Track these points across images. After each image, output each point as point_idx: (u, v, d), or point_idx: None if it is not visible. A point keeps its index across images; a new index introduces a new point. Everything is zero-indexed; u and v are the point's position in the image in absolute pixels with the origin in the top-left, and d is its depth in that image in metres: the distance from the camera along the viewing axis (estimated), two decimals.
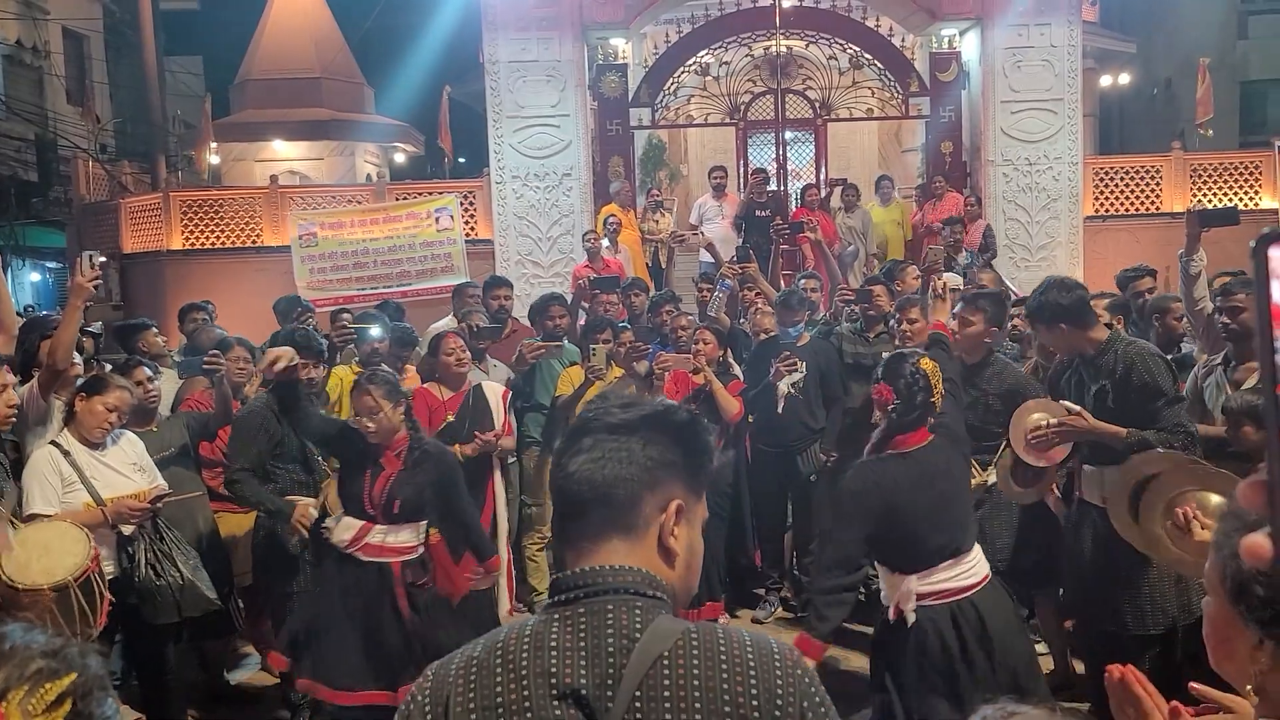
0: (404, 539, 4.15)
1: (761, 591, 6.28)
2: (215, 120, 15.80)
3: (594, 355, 5.70)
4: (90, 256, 4.20)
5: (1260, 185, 12.05)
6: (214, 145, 16.00)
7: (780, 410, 5.86)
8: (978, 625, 3.33)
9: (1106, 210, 12.05)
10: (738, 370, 6.25)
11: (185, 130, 20.18)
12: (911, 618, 3.33)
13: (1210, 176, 12.17)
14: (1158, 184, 12.11)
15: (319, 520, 4.42)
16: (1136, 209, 12.04)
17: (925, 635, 3.32)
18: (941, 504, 3.36)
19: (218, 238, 12.02)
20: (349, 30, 18.56)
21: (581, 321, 6.84)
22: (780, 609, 6.23)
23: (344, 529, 4.13)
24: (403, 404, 4.15)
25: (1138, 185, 12.14)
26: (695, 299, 7.40)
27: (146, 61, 15.69)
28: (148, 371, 4.97)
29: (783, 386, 5.90)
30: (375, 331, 5.72)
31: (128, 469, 4.42)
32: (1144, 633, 3.86)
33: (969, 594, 3.36)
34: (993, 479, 4.50)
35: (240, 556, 5.38)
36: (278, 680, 5.21)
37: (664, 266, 11.00)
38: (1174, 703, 1.62)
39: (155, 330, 5.98)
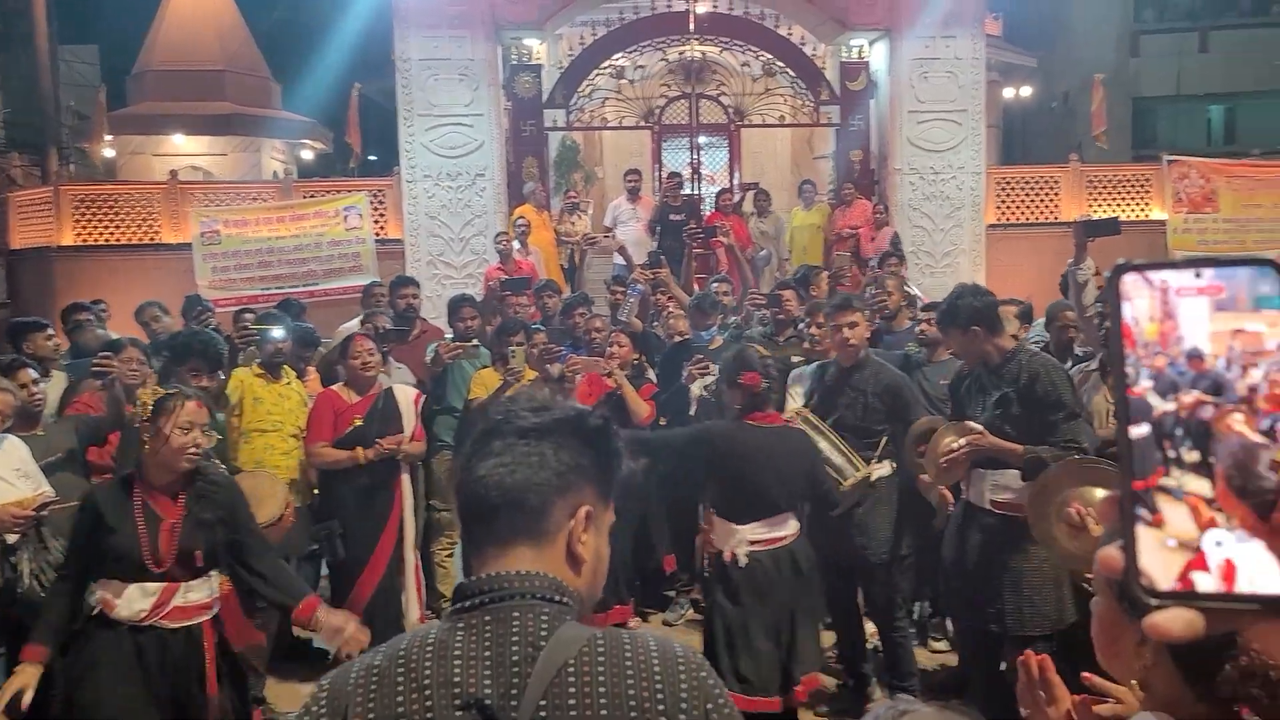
0: (204, 594, 3.45)
1: (672, 594, 6.31)
2: (111, 112, 15.21)
3: (513, 357, 5.66)
4: None
5: (1150, 197, 12.58)
6: (109, 138, 15.42)
7: (693, 413, 5.91)
8: (792, 566, 4.17)
9: (1008, 219, 12.43)
10: (652, 374, 6.28)
11: (79, 121, 19.36)
12: (744, 560, 4.10)
13: (1105, 188, 12.66)
14: (1056, 194, 12.55)
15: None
16: (1036, 218, 12.45)
17: (755, 572, 4.10)
18: (776, 473, 4.14)
19: (113, 234, 11.58)
20: (255, 23, 18.06)
21: (493, 324, 6.78)
22: (691, 611, 6.26)
23: (134, 599, 3.34)
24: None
25: (1037, 195, 12.56)
26: (608, 301, 7.40)
27: (38, 49, 15.06)
28: (32, 374, 4.76)
29: (695, 389, 5.94)
30: (278, 332, 5.57)
31: (10, 474, 4.23)
32: (1022, 633, 3.99)
33: (785, 543, 4.19)
34: (876, 474, 4.64)
35: None
36: None
37: (578, 268, 10.99)
38: (1082, 695, 1.67)
39: (49, 332, 5.73)
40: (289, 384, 5.60)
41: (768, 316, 6.51)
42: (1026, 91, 23.55)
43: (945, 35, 11.68)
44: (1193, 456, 0.65)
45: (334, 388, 5.43)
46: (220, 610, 3.58)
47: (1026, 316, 5.69)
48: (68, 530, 4.55)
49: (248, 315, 6.86)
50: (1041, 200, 12.54)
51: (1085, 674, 1.70)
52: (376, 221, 11.25)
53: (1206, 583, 0.63)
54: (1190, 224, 12.34)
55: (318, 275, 10.77)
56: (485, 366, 5.99)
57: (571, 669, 1.33)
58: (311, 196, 11.34)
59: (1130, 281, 0.66)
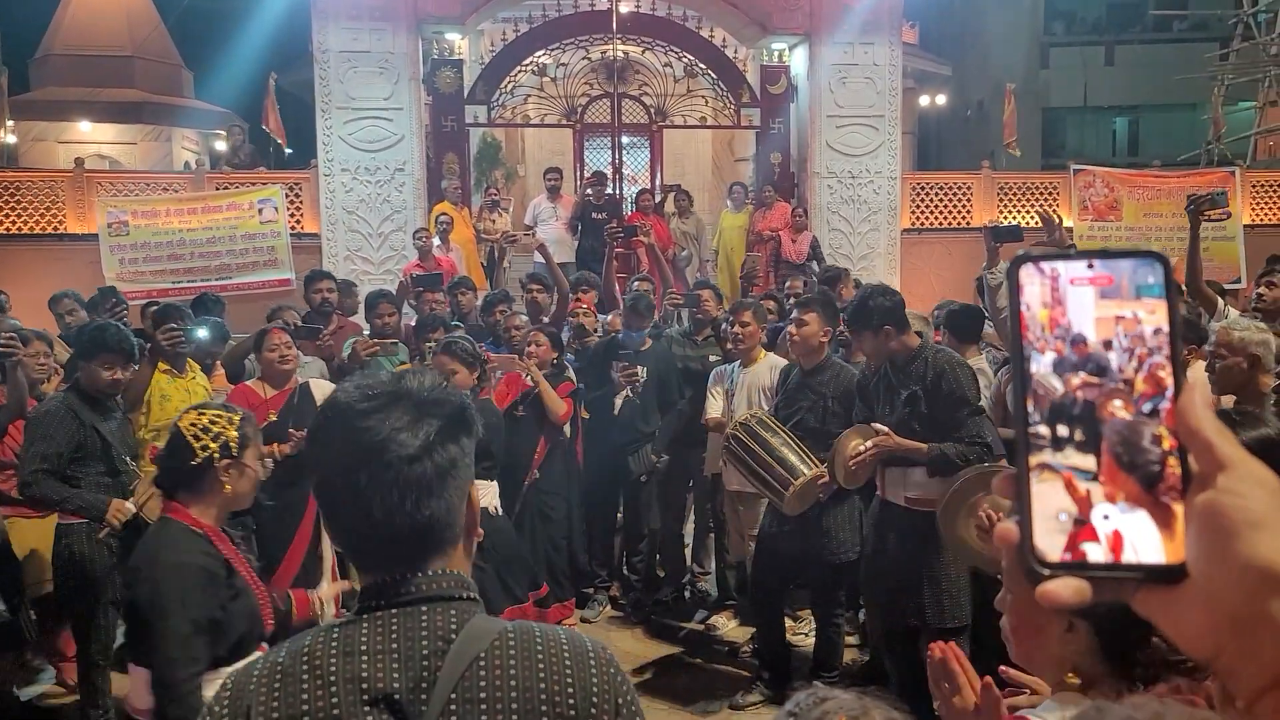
0: None
1: (590, 590, 6.32)
2: (13, 96, 14.60)
3: (430, 355, 5.60)
4: None
5: (1059, 204, 13.00)
6: (10, 124, 14.81)
7: (615, 413, 5.93)
8: None
9: (922, 224, 12.72)
10: (571, 372, 6.28)
11: None
12: None
13: (1015, 194, 13.04)
14: (969, 200, 12.89)
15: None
16: (950, 223, 12.77)
17: None
18: None
19: (13, 223, 11.13)
20: (166, 8, 17.52)
21: (411, 320, 6.72)
22: (609, 607, 6.29)
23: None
24: None
25: (951, 201, 12.88)
26: (524, 300, 7.37)
27: None
28: None
29: (620, 397, 6.00)
30: (202, 333, 5.44)
31: None
32: (942, 626, 4.10)
33: None
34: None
35: (34, 565, 5.03)
36: (74, 696, 4.89)
37: (498, 266, 10.93)
38: (986, 678, 1.72)
39: None
40: (194, 379, 5.46)
41: (685, 316, 6.56)
42: (941, 99, 24.17)
43: (864, 41, 11.90)
44: (1080, 435, 0.68)
45: (249, 382, 5.31)
46: None
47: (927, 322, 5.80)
48: None
49: (152, 308, 6.67)
50: (954, 206, 12.86)
51: (1003, 667, 1.75)
52: (292, 215, 11.00)
53: (1095, 553, 0.66)
54: (1095, 231, 12.77)
55: (231, 269, 10.51)
56: (404, 363, 5.93)
57: (482, 662, 1.32)
58: (225, 188, 11.04)
59: (1027, 272, 0.70)
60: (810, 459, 4.59)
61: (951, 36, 26.89)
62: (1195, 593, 0.63)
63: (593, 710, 1.34)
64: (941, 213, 12.83)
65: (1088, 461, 0.67)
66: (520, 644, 1.36)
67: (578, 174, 12.45)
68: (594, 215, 10.44)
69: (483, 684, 1.31)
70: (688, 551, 6.59)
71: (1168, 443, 0.67)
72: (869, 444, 4.12)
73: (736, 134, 14.06)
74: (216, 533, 2.67)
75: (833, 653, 4.97)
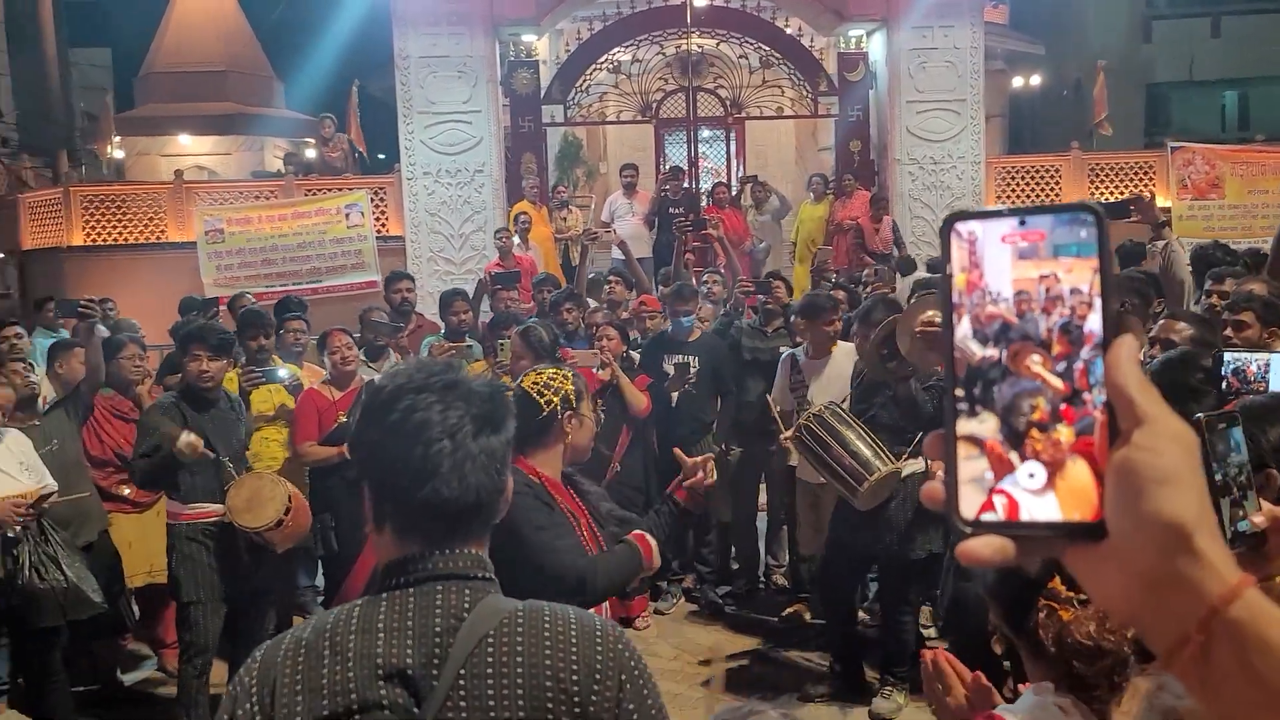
0: None
1: (664, 584, 6.35)
2: (119, 114, 15.34)
3: (501, 351, 5.71)
4: None
5: (1155, 184, 12.53)
6: (117, 139, 15.56)
7: (673, 405, 5.94)
8: None
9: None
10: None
11: (89, 123, 19.54)
12: None
13: (1108, 175, 12.61)
14: (1058, 183, 12.52)
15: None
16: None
17: None
18: None
19: (120, 233, 11.70)
20: (257, 22, 18.18)
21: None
22: (683, 600, 6.31)
23: None
24: None
25: (1039, 184, 12.53)
26: (604, 296, 7.45)
27: (47, 53, 15.20)
28: (23, 365, 4.88)
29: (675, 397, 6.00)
30: (283, 373, 5.63)
31: (14, 468, 4.33)
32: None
33: None
34: (908, 470, 4.61)
35: (134, 557, 5.29)
36: (174, 681, 5.13)
37: (575, 264, 11.04)
38: (977, 672, 1.73)
39: (19, 330, 5.83)
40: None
41: (756, 306, 6.53)
42: (1035, 80, 23.45)
43: (943, 25, 11.67)
44: (996, 398, 0.69)
45: (315, 386, 5.47)
46: None
47: None
48: (69, 521, 4.67)
49: (247, 298, 7.01)
50: (1043, 189, 12.51)
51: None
52: (378, 219, 11.32)
53: (999, 512, 0.67)
54: (1195, 210, 12.28)
55: (320, 272, 10.85)
56: (476, 361, 6.04)
57: (491, 639, 1.38)
58: (314, 194, 11.41)
59: (957, 230, 0.70)
60: (885, 454, 4.51)
61: (1045, 15, 26.02)
62: (1111, 550, 0.63)
63: (595, 685, 1.38)
64: (1029, 196, 12.48)
65: (1007, 422, 0.68)
66: (529, 622, 1.41)
67: (657, 169, 12.50)
68: (671, 210, 10.47)
69: (490, 660, 1.37)
70: (761, 544, 6.56)
71: (1089, 401, 0.67)
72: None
73: (820, 123, 13.91)
74: (554, 483, 2.82)
75: (902, 649, 4.90)
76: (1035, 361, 0.68)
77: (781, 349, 6.05)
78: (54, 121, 15.79)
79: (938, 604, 5.43)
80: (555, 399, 2.81)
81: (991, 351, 0.69)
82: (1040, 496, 0.66)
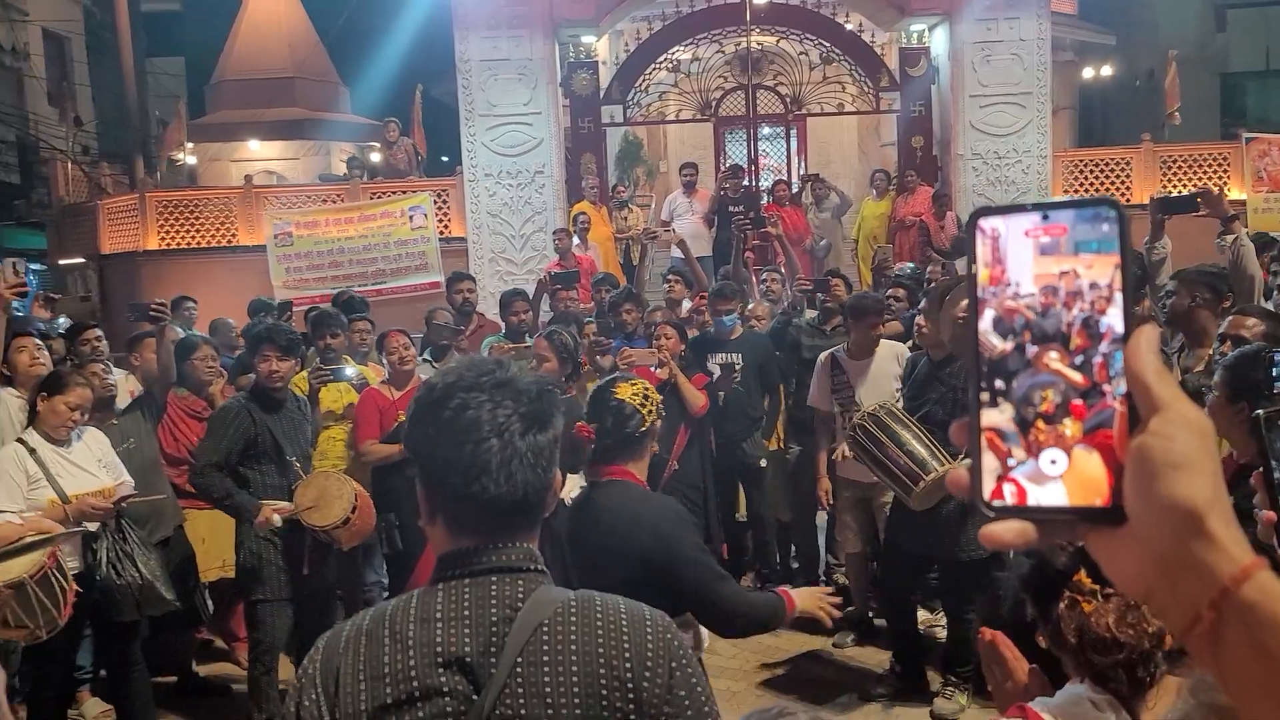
0: None
1: None
2: (192, 121, 15.79)
3: None
4: (14, 265, 4.30)
5: (1229, 176, 12.17)
6: (190, 146, 16.01)
7: (721, 403, 5.95)
8: None
9: None
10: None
11: (164, 131, 20.19)
12: None
13: (1181, 167, 12.28)
14: (1128, 176, 12.23)
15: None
16: None
17: None
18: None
19: (193, 237, 12.04)
20: (323, 30, 18.58)
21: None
22: None
23: None
24: None
25: (1109, 177, 12.24)
26: (664, 295, 7.48)
27: (125, 63, 15.69)
28: (102, 366, 5.05)
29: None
30: (349, 371, 5.77)
31: (93, 465, 4.47)
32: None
33: None
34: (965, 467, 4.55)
35: (207, 552, 5.45)
36: (245, 672, 5.28)
37: (635, 263, 11.09)
38: (1034, 665, 1.74)
39: (99, 333, 6.04)
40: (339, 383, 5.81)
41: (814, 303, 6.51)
42: (1106, 71, 22.92)
43: (1008, 17, 11.47)
44: (1016, 388, 0.71)
45: (375, 385, 5.58)
46: None
47: None
48: (146, 517, 4.83)
49: (312, 313, 7.16)
50: (1113, 183, 12.22)
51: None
52: (440, 220, 11.48)
53: (1010, 497, 0.69)
54: (1271, 203, 11.89)
55: (386, 274, 11.05)
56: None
57: (546, 628, 1.42)
58: (378, 197, 11.62)
59: (980, 227, 0.72)
60: (941, 453, 4.46)
61: (1115, 3, 25.41)
62: (1129, 534, 0.65)
63: (646, 672, 1.42)
64: (1098, 190, 12.21)
65: (1024, 412, 0.70)
66: (581, 612, 1.45)
67: (717, 167, 12.49)
68: (730, 208, 10.46)
69: (545, 648, 1.41)
70: (821, 542, 6.53)
71: (1108, 393, 0.69)
72: None
73: (881, 119, 13.78)
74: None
75: (965, 650, 4.85)
76: (1053, 357, 0.70)
77: (829, 350, 6.03)
78: (131, 129, 16.30)
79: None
80: (653, 410, 2.89)
81: (1012, 345, 0.71)
82: (1051, 484, 0.68)
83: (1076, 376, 0.69)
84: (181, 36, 24.90)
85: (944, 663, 4.95)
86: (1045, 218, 0.71)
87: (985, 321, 0.72)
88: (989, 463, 0.71)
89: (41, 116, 19.31)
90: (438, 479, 1.48)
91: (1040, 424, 0.70)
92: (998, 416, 0.71)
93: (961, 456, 4.42)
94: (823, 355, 5.63)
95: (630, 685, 1.41)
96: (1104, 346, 0.69)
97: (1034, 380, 0.70)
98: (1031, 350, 0.71)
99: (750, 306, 6.71)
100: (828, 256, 10.91)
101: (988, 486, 0.70)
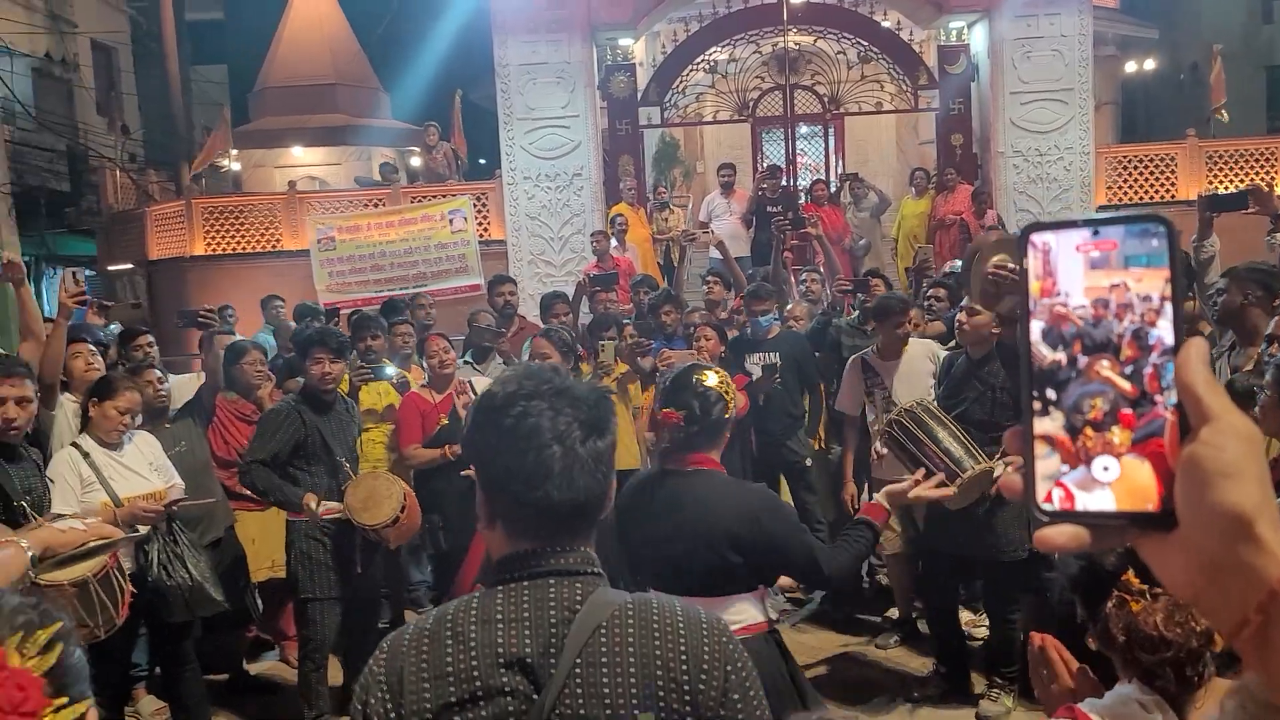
0: None
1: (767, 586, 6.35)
2: (235, 128, 16.05)
3: (602, 351, 5.81)
4: (73, 274, 4.37)
5: (1277, 172, 11.95)
6: (234, 153, 16.28)
7: (762, 402, 5.96)
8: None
9: (1121, 199, 12.00)
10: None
11: (208, 138, 20.53)
12: None
13: (1227, 163, 12.09)
14: (1173, 172, 12.05)
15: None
16: (1151, 197, 11.99)
17: None
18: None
19: (238, 243, 12.25)
20: (364, 37, 18.81)
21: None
22: (786, 600, 6.31)
23: None
24: None
25: (1153, 174, 12.08)
26: (703, 296, 7.50)
27: (170, 72, 15.99)
28: (158, 373, 5.14)
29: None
30: (390, 371, 5.85)
31: (144, 468, 4.53)
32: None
33: None
34: (999, 470, 4.52)
35: (258, 553, 5.54)
36: (295, 672, 5.37)
37: (675, 264, 11.11)
38: (1082, 665, 1.75)
39: (150, 339, 6.17)
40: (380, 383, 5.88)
41: (855, 303, 6.50)
42: (1149, 65, 22.58)
43: (1049, 12, 11.36)
44: (1069, 397, 0.74)
45: (416, 390, 5.65)
46: None
47: None
48: (198, 518, 4.93)
49: (354, 316, 7.29)
50: (1157, 179, 12.06)
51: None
52: (480, 223, 11.58)
53: (1057, 502, 0.72)
54: None
55: (426, 277, 11.13)
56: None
57: (604, 630, 1.46)
58: (419, 201, 11.74)
59: (1032, 241, 0.75)
60: (978, 453, 4.43)
61: None
62: (1180, 539, 0.68)
63: (703, 675, 1.45)
64: (1142, 187, 12.05)
65: (1074, 420, 0.73)
66: (639, 614, 1.49)
67: (754, 168, 12.49)
68: (769, 208, 10.46)
69: (604, 650, 1.45)
70: None
71: (1159, 403, 0.71)
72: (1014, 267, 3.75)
73: (920, 117, 13.71)
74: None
75: (1010, 650, 4.83)
76: (1104, 366, 0.73)
77: (859, 353, 6.02)
78: (176, 137, 16.61)
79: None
80: (734, 398, 2.99)
81: (1063, 355, 0.74)
82: (1102, 490, 0.70)
83: (1127, 385, 0.72)
84: (223, 45, 25.29)
85: (988, 664, 4.93)
86: (1095, 233, 0.74)
87: (1036, 332, 0.75)
88: (1042, 468, 0.73)
89: (90, 126, 19.69)
90: (499, 485, 1.52)
91: (1090, 431, 0.72)
92: (1049, 424, 0.74)
93: (998, 456, 4.44)
94: (852, 358, 5.63)
95: (686, 688, 1.44)
96: (1154, 357, 0.71)
97: (1085, 389, 0.73)
98: (1082, 360, 0.73)
99: (789, 307, 6.72)
100: (866, 256, 10.86)
101: (1040, 491, 0.73)
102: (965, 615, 5.47)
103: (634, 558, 2.94)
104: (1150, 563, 0.71)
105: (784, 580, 6.40)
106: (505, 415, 1.50)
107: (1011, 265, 3.80)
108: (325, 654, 4.73)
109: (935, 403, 4.73)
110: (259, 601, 5.68)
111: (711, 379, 2.95)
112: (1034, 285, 0.76)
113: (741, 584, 2.86)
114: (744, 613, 2.87)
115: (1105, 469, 0.71)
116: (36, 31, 17.79)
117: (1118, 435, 0.71)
